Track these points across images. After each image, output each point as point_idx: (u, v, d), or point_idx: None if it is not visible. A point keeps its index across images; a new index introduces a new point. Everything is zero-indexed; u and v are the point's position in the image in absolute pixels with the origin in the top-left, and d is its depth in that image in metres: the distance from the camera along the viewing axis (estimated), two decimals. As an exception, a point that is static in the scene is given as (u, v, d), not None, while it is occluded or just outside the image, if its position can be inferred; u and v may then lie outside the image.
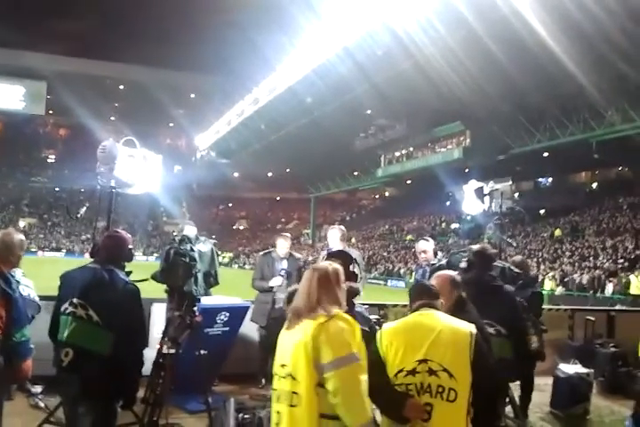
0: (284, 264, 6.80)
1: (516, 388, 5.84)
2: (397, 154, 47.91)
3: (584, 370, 6.50)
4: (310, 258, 37.14)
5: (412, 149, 45.86)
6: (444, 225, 47.09)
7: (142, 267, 5.86)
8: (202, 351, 4.90)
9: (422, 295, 3.20)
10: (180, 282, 4.87)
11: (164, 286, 5.11)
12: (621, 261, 26.01)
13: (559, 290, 25.46)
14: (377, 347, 3.02)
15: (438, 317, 3.06)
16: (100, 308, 3.66)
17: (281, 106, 44.69)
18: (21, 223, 64.18)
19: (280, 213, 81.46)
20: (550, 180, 47.42)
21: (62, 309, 3.73)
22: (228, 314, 6.19)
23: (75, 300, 3.69)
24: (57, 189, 73.56)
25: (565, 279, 26.20)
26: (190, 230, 6.73)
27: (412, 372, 2.90)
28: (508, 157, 35.70)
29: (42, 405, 5.35)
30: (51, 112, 78.75)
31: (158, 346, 4.66)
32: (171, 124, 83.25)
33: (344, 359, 2.63)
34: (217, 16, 58.36)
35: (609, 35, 21.15)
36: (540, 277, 25.03)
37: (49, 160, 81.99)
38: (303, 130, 44.37)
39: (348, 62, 32.71)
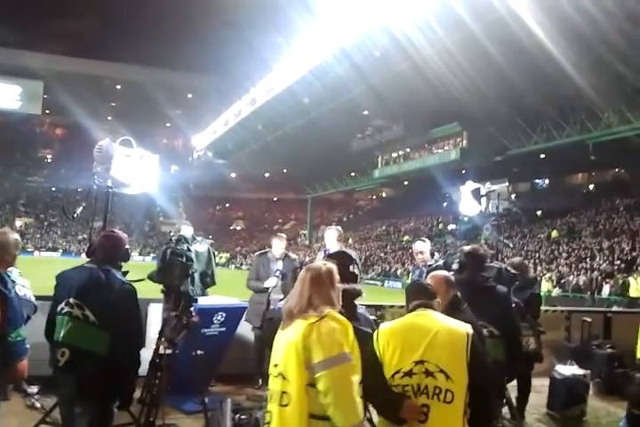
0: (280, 265, 6.79)
1: (512, 389, 5.84)
2: (394, 155, 47.96)
3: (581, 371, 6.50)
4: (307, 259, 37.10)
5: (409, 149, 45.91)
6: (440, 226, 47.13)
7: (139, 267, 5.85)
8: (198, 352, 4.90)
9: (419, 295, 3.20)
10: (177, 282, 4.86)
11: (161, 287, 5.10)
12: (618, 262, 26.04)
13: (556, 291, 25.51)
14: (373, 347, 3.01)
15: (435, 317, 3.06)
16: (96, 308, 3.65)
17: (278, 106, 44.70)
18: (18, 223, 64.07)
19: (277, 213, 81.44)
20: (547, 181, 47.50)
21: (58, 309, 3.73)
22: (224, 314, 6.18)
23: (71, 300, 3.68)
24: (53, 188, 73.41)
25: (562, 281, 26.24)
26: (187, 230, 6.72)
27: (409, 373, 2.89)
28: (504, 158, 35.78)
29: (38, 405, 5.33)
30: (47, 112, 78.65)
31: (155, 346, 4.65)
32: (168, 124, 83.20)
33: (335, 359, 2.62)
34: (214, 16, 58.39)
35: (606, 36, 21.20)
36: (537, 279, 25.05)
37: (45, 160, 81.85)
38: (300, 130, 44.39)
39: (346, 63, 32.75)
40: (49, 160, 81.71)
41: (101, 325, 3.63)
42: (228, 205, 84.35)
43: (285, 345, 2.74)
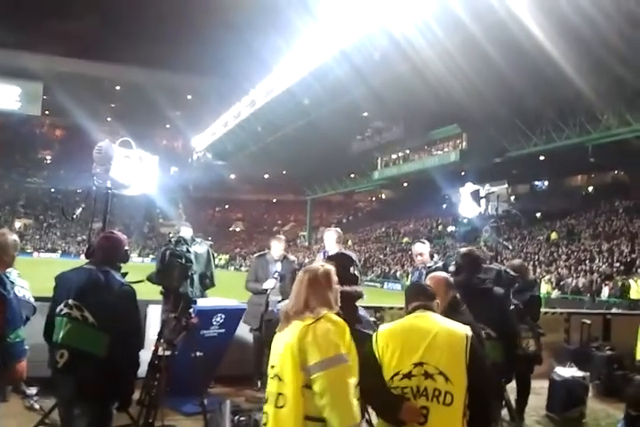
0: (278, 266, 6.77)
1: (512, 391, 5.83)
2: (394, 156, 48.01)
3: (580, 373, 6.50)
4: (307, 260, 37.05)
5: (408, 151, 45.97)
6: (440, 228, 47.13)
7: (138, 268, 5.84)
8: (197, 353, 4.88)
9: (418, 296, 3.19)
10: (176, 283, 4.85)
11: (160, 288, 5.09)
12: (617, 264, 26.06)
13: (555, 293, 25.50)
14: (372, 349, 3.01)
15: (434, 319, 3.05)
16: (95, 309, 3.65)
17: (278, 108, 44.76)
18: (17, 224, 64.03)
19: (276, 215, 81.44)
20: (546, 183, 47.51)
21: (57, 310, 3.72)
22: (223, 316, 6.17)
23: (70, 301, 3.68)
24: (53, 189, 73.41)
25: (561, 283, 26.23)
26: (186, 232, 6.71)
27: (408, 375, 2.89)
28: (504, 160, 35.80)
29: (37, 406, 5.32)
30: (47, 113, 78.74)
31: (154, 348, 4.64)
32: (167, 126, 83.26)
33: (331, 360, 2.60)
34: (214, 18, 58.46)
35: (606, 38, 21.23)
36: (537, 281, 25.04)
37: (45, 161, 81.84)
38: (300, 132, 44.44)
39: (345, 65, 32.79)
40: (48, 161, 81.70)
41: (100, 326, 3.62)
42: (227, 206, 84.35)
43: (282, 347, 2.73)
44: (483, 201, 6.99)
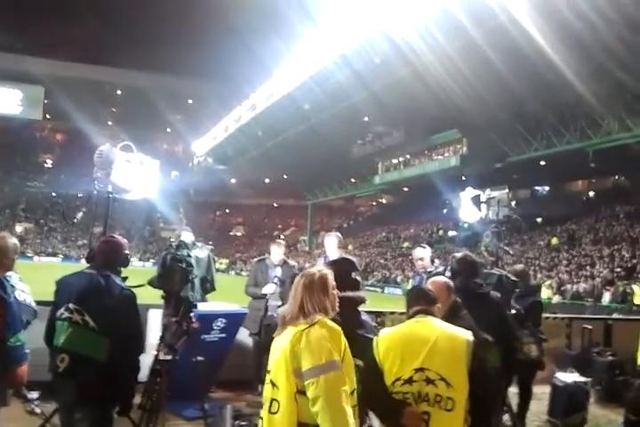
0: (278, 271, 6.76)
1: (513, 396, 5.82)
2: (395, 161, 48.06)
3: (581, 379, 6.49)
4: (307, 265, 36.97)
5: (409, 156, 46.01)
6: (441, 232, 47.12)
7: (139, 273, 5.85)
8: (198, 358, 4.89)
9: (419, 301, 3.19)
10: (177, 287, 4.86)
11: (161, 292, 5.09)
12: (618, 269, 26.02)
13: (556, 298, 25.46)
14: (374, 354, 3.00)
15: (435, 324, 3.05)
16: (96, 313, 3.65)
17: (278, 112, 44.80)
18: (18, 228, 63.98)
19: (277, 219, 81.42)
20: (547, 188, 47.52)
21: (58, 314, 3.72)
22: (224, 320, 6.17)
23: (71, 305, 3.68)
24: (53, 193, 73.41)
25: (562, 288, 26.20)
26: (187, 236, 6.70)
27: (409, 381, 2.89)
28: (504, 165, 35.82)
29: (38, 411, 5.31)
30: (48, 117, 78.86)
31: (155, 352, 4.64)
32: (168, 130, 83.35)
33: (324, 367, 2.57)
34: (215, 22, 58.61)
35: (606, 43, 21.27)
36: (539, 286, 25.02)
37: (46, 165, 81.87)
38: (300, 136, 44.48)
39: (346, 69, 32.85)
40: (49, 165, 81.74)
41: (101, 330, 3.62)
42: (228, 210, 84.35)
43: (276, 352, 2.71)
44: (483, 206, 6.99)
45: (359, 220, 70.18)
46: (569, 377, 6.47)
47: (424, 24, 25.57)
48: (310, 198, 63.41)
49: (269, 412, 2.66)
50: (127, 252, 4.08)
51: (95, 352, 3.59)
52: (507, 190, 7.44)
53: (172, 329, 4.69)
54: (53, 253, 61.33)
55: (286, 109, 43.31)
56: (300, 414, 2.60)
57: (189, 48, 65.95)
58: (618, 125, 27.90)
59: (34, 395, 5.48)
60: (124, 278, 3.92)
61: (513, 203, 37.56)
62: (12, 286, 3.88)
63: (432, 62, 27.06)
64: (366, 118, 41.72)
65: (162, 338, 4.71)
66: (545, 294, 25.22)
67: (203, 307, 5.82)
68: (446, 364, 2.89)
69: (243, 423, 4.38)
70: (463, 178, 36.98)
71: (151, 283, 5.34)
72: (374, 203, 72.38)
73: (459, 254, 4.88)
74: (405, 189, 55.75)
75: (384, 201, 69.78)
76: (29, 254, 56.14)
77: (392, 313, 7.58)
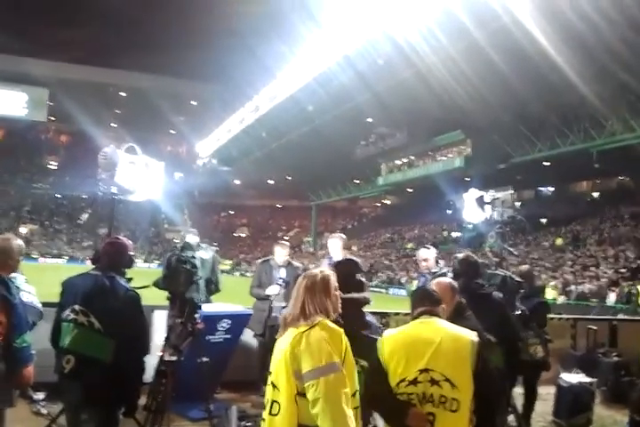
0: (282, 272, 6.75)
1: (518, 397, 5.82)
2: (398, 162, 48.02)
3: (587, 379, 6.47)
4: (312, 266, 36.97)
5: (412, 157, 45.98)
6: (445, 233, 47.06)
7: (144, 274, 5.86)
8: (203, 359, 4.89)
9: (424, 301, 3.19)
10: (182, 289, 4.86)
11: (166, 293, 5.10)
12: (623, 270, 25.95)
13: (561, 299, 25.40)
14: (378, 355, 3.00)
15: (440, 325, 3.05)
16: (101, 315, 3.67)
17: (282, 114, 44.82)
18: (23, 230, 64.07)
19: (281, 220, 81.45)
20: (551, 189, 47.44)
21: (64, 315, 3.74)
22: (229, 322, 6.18)
23: (76, 307, 3.70)
24: (58, 195, 73.57)
25: (567, 288, 26.14)
26: (192, 238, 6.73)
27: (414, 382, 2.89)
28: (508, 165, 35.75)
29: (44, 412, 5.34)
30: (52, 119, 78.89)
31: (160, 353, 4.65)
32: (172, 132, 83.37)
33: (324, 369, 2.57)
34: (218, 24, 58.57)
35: (610, 44, 21.22)
36: (545, 287, 24.96)
37: (50, 167, 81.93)
38: (304, 138, 44.47)
39: (349, 71, 32.84)
40: (54, 167, 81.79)
41: (106, 331, 3.64)
42: (232, 212, 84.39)
43: (277, 354, 2.71)
44: (487, 207, 6.98)
45: (363, 221, 70.16)
46: (574, 378, 6.47)
47: (427, 25, 25.54)
48: (314, 199, 63.39)
49: (270, 414, 2.66)
50: (132, 253, 4.10)
51: (100, 353, 3.61)
52: (511, 191, 7.47)
53: (177, 330, 4.70)
54: (58, 255, 61.40)
55: (290, 111, 43.32)
56: (300, 416, 2.59)
57: (192, 50, 65.95)
58: (622, 126, 27.81)
59: (40, 396, 5.50)
60: (129, 280, 3.94)
61: (517, 204, 37.63)
62: (18, 288, 3.90)
63: (435, 64, 27.04)
64: (370, 120, 41.69)
65: (167, 339, 4.71)
66: (550, 294, 25.19)
67: (207, 308, 5.82)
68: (451, 365, 2.89)
69: (248, 424, 4.39)
70: (467, 179, 36.95)
71: (156, 284, 5.36)
72: (378, 204, 72.33)
73: (460, 255, 4.88)
74: (409, 191, 55.68)
75: (388, 202, 69.73)
76: (35, 256, 56.23)
77: (397, 314, 7.58)
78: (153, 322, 6.33)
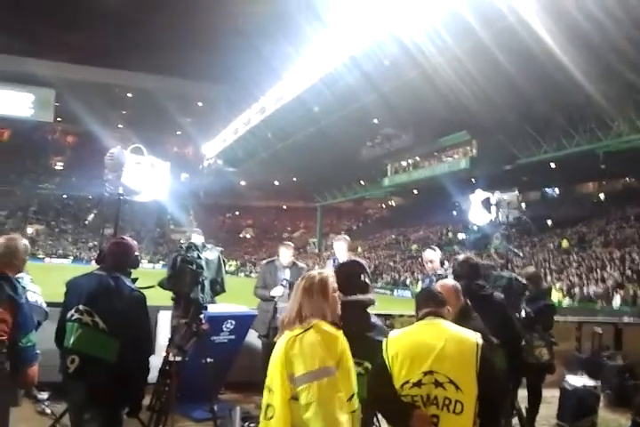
0: (287, 273, 6.73)
1: (522, 400, 5.80)
2: (404, 163, 47.99)
3: (591, 382, 6.46)
4: (317, 267, 37.02)
5: (418, 158, 45.95)
6: (450, 235, 46.98)
7: (149, 274, 5.87)
8: (208, 359, 4.89)
9: (429, 302, 3.17)
10: (187, 289, 4.87)
11: (171, 294, 5.11)
12: (629, 272, 25.86)
13: (566, 301, 25.33)
14: (383, 357, 3.00)
15: (444, 326, 3.04)
16: (106, 315, 3.67)
17: (288, 115, 44.86)
18: (29, 230, 64.37)
19: (286, 221, 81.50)
20: (557, 190, 47.33)
21: (68, 315, 3.74)
22: (234, 322, 6.19)
23: (81, 307, 3.70)
24: (64, 196, 73.86)
25: (572, 290, 26.07)
26: (197, 238, 6.73)
27: (418, 384, 2.87)
28: (514, 167, 35.69)
29: (48, 411, 5.36)
30: (59, 119, 79.23)
31: (164, 353, 4.66)
32: (178, 133, 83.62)
33: (317, 373, 2.54)
34: (224, 25, 58.69)
35: (616, 44, 21.17)
36: (551, 289, 24.90)
37: (57, 167, 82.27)
38: (310, 139, 44.50)
39: (355, 72, 32.86)
40: (60, 168, 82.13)
41: (111, 331, 3.65)
42: (237, 212, 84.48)
43: (273, 357, 2.70)
44: (493, 208, 6.98)
45: (368, 222, 70.14)
46: (579, 381, 6.45)
47: (433, 26, 25.54)
48: (319, 200, 63.41)
49: (265, 417, 2.65)
50: (137, 253, 4.10)
51: (105, 353, 3.62)
52: (516, 192, 7.42)
53: (182, 331, 4.71)
54: (64, 255, 61.69)
55: (296, 112, 43.35)
56: (294, 421, 2.57)
57: (199, 51, 66.12)
58: (628, 127, 27.71)
59: (44, 395, 5.52)
60: (134, 280, 3.94)
61: (523, 205, 37.45)
62: (24, 288, 3.91)
63: (441, 64, 27.02)
64: (375, 120, 41.71)
65: (171, 339, 4.72)
66: (555, 296, 25.14)
67: (212, 309, 5.83)
68: (455, 367, 2.88)
69: (252, 425, 4.39)
70: (473, 180, 36.93)
71: (161, 284, 5.37)
72: (383, 205, 72.32)
73: (461, 257, 4.89)
74: (415, 192, 55.65)
75: (393, 203, 69.71)
76: (40, 256, 56.51)
77: (401, 316, 7.57)
78: (158, 322, 6.35)
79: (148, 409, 4.31)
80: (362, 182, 56.66)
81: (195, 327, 4.77)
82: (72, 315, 3.72)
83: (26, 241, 3.99)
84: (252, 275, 49.12)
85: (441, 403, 2.85)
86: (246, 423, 4.35)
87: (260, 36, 51.49)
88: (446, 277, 5.09)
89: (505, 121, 31.46)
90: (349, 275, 3.41)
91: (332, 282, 2.85)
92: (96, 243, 56.57)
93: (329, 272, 2.93)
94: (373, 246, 55.12)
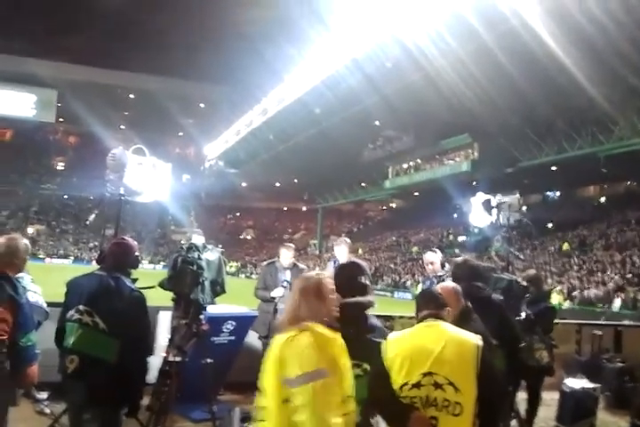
0: (287, 274, 6.73)
1: (521, 402, 5.80)
2: (405, 166, 48.01)
3: (590, 385, 6.45)
4: (317, 268, 36.99)
5: (419, 160, 45.97)
6: (451, 237, 46.99)
7: (149, 275, 5.87)
8: (208, 360, 4.90)
9: (429, 304, 3.18)
10: (187, 289, 4.88)
11: (172, 294, 5.11)
12: (629, 275, 25.85)
13: (567, 304, 25.32)
14: (382, 358, 3.00)
15: (444, 328, 3.03)
16: (106, 315, 3.68)
17: (290, 116, 44.87)
18: (30, 230, 64.40)
19: (287, 223, 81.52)
20: (558, 193, 47.31)
21: (69, 316, 3.75)
22: (234, 323, 6.19)
23: (81, 307, 3.71)
24: (66, 196, 73.88)
25: (573, 293, 26.06)
26: (198, 239, 6.74)
27: (417, 385, 2.87)
28: (515, 170, 35.69)
29: (47, 411, 5.36)
30: (61, 120, 79.24)
31: (164, 354, 4.66)
32: (180, 134, 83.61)
33: (309, 375, 2.52)
34: (227, 27, 58.75)
35: (619, 48, 21.15)
36: (551, 291, 24.90)
37: (58, 168, 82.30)
38: (311, 141, 44.50)
39: (357, 74, 32.86)
40: (62, 168, 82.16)
41: (111, 332, 3.65)
42: (238, 214, 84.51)
43: (267, 359, 2.68)
44: (494, 211, 6.98)
45: (369, 224, 70.15)
46: (578, 383, 6.44)
47: (435, 28, 25.53)
48: (320, 202, 63.42)
49: (258, 419, 2.64)
50: (137, 254, 4.11)
51: (105, 354, 3.62)
52: (517, 195, 7.42)
53: (182, 331, 4.71)
54: (65, 255, 61.72)
55: (297, 114, 43.37)
56: (287, 423, 2.54)
57: (201, 52, 66.19)
58: (630, 131, 27.71)
59: (43, 395, 5.52)
60: (135, 280, 3.94)
61: (524, 208, 37.50)
62: (24, 288, 3.92)
63: (443, 67, 27.02)
64: (377, 123, 41.70)
65: (171, 340, 4.73)
66: (555, 299, 25.11)
67: (212, 309, 5.84)
68: (455, 369, 2.88)
69: (251, 426, 4.38)
70: (474, 183, 36.91)
71: (162, 285, 5.37)
72: (384, 207, 72.29)
73: (459, 259, 4.89)
74: (416, 194, 55.63)
75: (394, 205, 69.67)
76: (41, 256, 56.54)
77: (401, 317, 7.58)
78: (158, 323, 6.35)
79: (147, 409, 4.31)
80: (363, 184, 56.67)
81: (195, 328, 4.78)
82: (72, 315, 3.72)
83: (26, 241, 4.00)
84: (253, 276, 49.09)
85: (440, 404, 2.85)
86: (245, 424, 4.34)
87: (263, 38, 51.53)
88: (444, 280, 5.10)
89: (506, 124, 31.47)
90: (349, 277, 3.41)
91: (329, 283, 2.83)
92: (97, 243, 56.61)
93: (326, 274, 2.92)
94: (374, 248, 55.11)
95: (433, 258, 6.61)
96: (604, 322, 13.17)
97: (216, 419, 4.72)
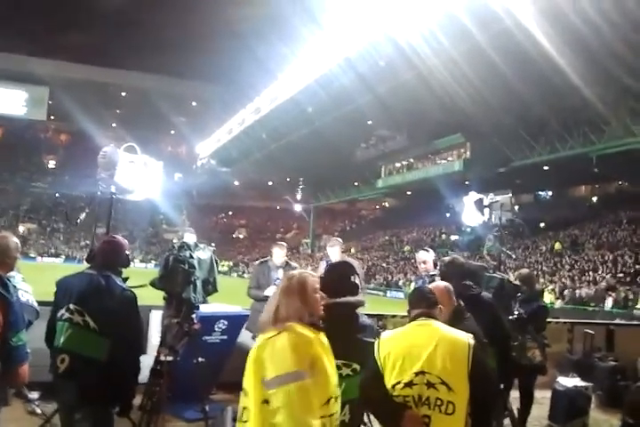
0: (280, 273, 6.70)
1: (514, 401, 5.81)
2: (398, 165, 48.05)
3: (583, 384, 6.47)
4: (309, 268, 36.97)
5: (412, 160, 46.01)
6: (443, 237, 47.10)
7: (141, 274, 5.86)
8: (200, 359, 4.88)
9: (421, 303, 3.17)
10: (179, 288, 4.86)
11: (163, 293, 5.09)
12: (621, 275, 25.97)
13: (558, 303, 25.41)
14: (375, 358, 2.99)
15: (436, 327, 3.03)
16: (96, 314, 3.65)
17: (282, 115, 44.81)
18: (21, 229, 64.12)
19: (280, 222, 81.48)
20: (550, 193, 47.48)
21: (59, 315, 3.72)
22: (226, 322, 6.17)
23: (71, 306, 3.68)
24: (57, 194, 73.58)
25: (564, 293, 26.15)
26: (190, 238, 6.71)
27: (410, 384, 2.87)
28: (508, 169, 35.75)
29: (39, 411, 5.32)
30: (52, 118, 78.90)
31: (156, 353, 4.64)
32: (172, 132, 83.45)
33: (287, 377, 2.47)
34: (219, 25, 58.77)
35: (613, 48, 21.21)
36: (544, 291, 24.98)
37: (49, 166, 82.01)
38: (304, 140, 44.45)
39: (350, 73, 32.82)
40: (53, 166, 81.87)
41: (101, 331, 3.63)
42: (231, 213, 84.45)
43: (248, 360, 2.65)
44: (486, 210, 6.99)
45: (362, 223, 70.20)
46: (570, 382, 6.47)
47: (429, 28, 25.52)
48: (313, 201, 63.41)
49: (241, 420, 2.61)
50: (128, 252, 4.09)
51: (95, 353, 3.60)
52: (510, 195, 7.42)
53: (174, 330, 4.70)
54: (56, 254, 61.49)
55: (290, 112, 43.30)
56: (268, 424, 2.50)
57: (194, 51, 66.20)
58: (622, 131, 27.78)
59: (34, 395, 5.49)
60: (125, 279, 3.92)
61: (516, 207, 37.52)
62: (15, 287, 3.89)
63: (437, 66, 27.00)
64: (370, 122, 41.68)
65: (163, 339, 4.70)
66: (547, 298, 25.21)
67: (204, 308, 5.81)
68: (447, 367, 2.87)
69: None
70: (466, 182, 36.96)
71: (153, 284, 5.34)
72: (377, 206, 72.39)
73: (447, 258, 4.91)
74: (408, 193, 55.66)
75: (387, 205, 69.78)
76: (32, 255, 56.30)
77: (394, 316, 7.58)
78: (149, 322, 6.32)
79: (139, 409, 4.29)
80: (355, 183, 56.70)
81: (186, 327, 4.76)
82: (62, 314, 3.70)
83: (16, 239, 3.97)
84: (245, 275, 49.04)
85: (432, 403, 2.85)
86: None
87: (256, 37, 51.58)
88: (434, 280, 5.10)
89: (499, 124, 31.53)
90: (340, 276, 3.40)
91: (313, 282, 2.77)
92: (88, 242, 56.46)
93: (310, 272, 2.87)
94: (366, 247, 55.18)
95: (425, 257, 6.63)
96: (596, 321, 13.23)
97: (208, 418, 4.71)
